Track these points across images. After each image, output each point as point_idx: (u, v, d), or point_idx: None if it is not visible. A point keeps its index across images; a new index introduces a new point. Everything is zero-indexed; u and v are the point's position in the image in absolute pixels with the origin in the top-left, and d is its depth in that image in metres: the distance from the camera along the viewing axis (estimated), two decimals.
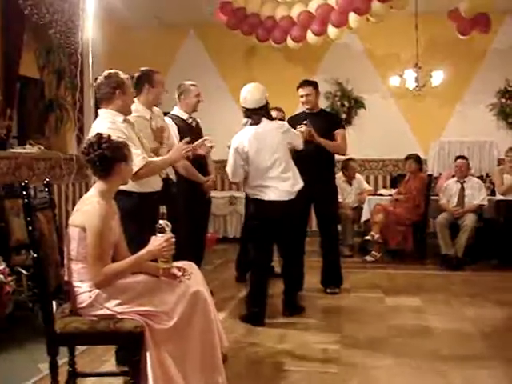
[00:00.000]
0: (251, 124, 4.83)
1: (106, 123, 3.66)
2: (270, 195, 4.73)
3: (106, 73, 3.76)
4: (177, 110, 5.40)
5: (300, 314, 5.03)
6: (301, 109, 5.98)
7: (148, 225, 3.16)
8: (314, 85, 5.75)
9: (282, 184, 4.75)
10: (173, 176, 5.01)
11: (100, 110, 3.78)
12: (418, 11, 8.12)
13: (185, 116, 5.37)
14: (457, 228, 7.21)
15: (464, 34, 8.08)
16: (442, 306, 5.33)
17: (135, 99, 4.21)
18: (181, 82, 5.47)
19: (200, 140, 4.22)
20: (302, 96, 5.73)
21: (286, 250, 5.04)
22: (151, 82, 4.45)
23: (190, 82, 5.45)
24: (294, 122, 5.62)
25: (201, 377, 3.01)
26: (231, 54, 9.53)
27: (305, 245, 5.74)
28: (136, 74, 4.47)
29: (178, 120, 5.29)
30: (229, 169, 4.87)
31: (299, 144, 5.06)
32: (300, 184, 4.83)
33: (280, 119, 5.69)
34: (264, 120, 4.83)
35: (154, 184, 3.98)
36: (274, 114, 6.10)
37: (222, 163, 5.58)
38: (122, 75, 3.77)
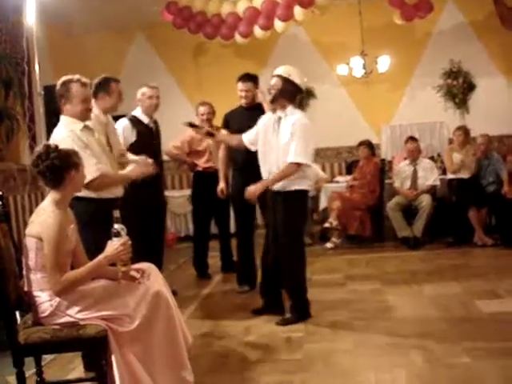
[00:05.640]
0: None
1: (64, 131, 3.69)
2: None
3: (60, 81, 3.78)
4: (138, 112, 5.42)
5: None
6: None
7: (107, 230, 3.15)
8: (255, 80, 5.62)
9: None
10: None
11: (60, 117, 3.80)
12: None
13: (146, 120, 5.41)
14: (412, 210, 7.39)
15: (408, 20, 8.14)
16: (402, 286, 5.47)
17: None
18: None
19: (140, 160, 4.24)
20: (241, 90, 5.57)
21: None
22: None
23: (147, 85, 5.48)
24: (232, 116, 5.62)
25: (168, 375, 3.07)
26: (181, 53, 9.52)
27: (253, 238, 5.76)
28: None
29: (137, 123, 5.32)
30: None
31: None
32: None
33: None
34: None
35: (115, 190, 3.95)
36: (201, 109, 6.16)
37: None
38: (68, 83, 3.72)
